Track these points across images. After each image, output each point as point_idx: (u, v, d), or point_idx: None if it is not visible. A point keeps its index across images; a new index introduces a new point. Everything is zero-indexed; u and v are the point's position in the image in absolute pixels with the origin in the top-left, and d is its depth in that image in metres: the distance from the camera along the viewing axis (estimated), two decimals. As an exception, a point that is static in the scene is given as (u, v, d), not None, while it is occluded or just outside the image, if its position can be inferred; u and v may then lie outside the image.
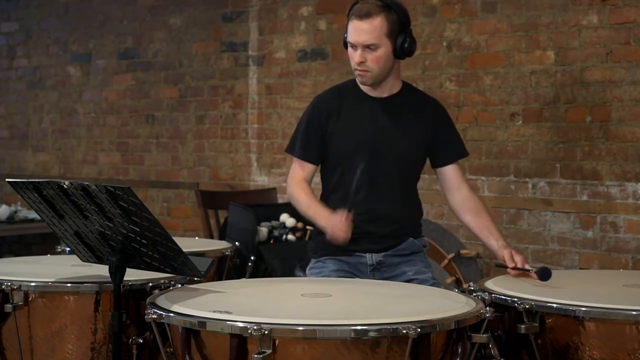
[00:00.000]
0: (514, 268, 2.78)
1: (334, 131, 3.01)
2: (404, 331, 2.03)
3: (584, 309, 2.29)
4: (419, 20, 4.83)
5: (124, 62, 6.40)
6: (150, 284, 2.61)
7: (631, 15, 4.15)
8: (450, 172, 3.09)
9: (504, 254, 2.83)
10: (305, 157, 3.04)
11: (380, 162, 2.99)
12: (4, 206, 6.18)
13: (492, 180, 4.63)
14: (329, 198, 3.06)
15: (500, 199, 4.60)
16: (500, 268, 2.88)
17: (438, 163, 3.10)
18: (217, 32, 5.87)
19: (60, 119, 6.85)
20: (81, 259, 2.66)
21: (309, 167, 3.05)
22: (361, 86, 3.05)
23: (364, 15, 2.90)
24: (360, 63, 2.93)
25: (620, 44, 4.19)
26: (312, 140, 3.03)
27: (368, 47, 2.91)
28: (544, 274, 2.68)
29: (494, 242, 2.93)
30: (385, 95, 3.05)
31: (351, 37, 2.93)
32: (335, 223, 2.84)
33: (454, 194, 3.09)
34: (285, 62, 5.51)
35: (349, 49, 2.98)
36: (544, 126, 4.44)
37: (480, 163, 4.67)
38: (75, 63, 6.72)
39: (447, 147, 3.09)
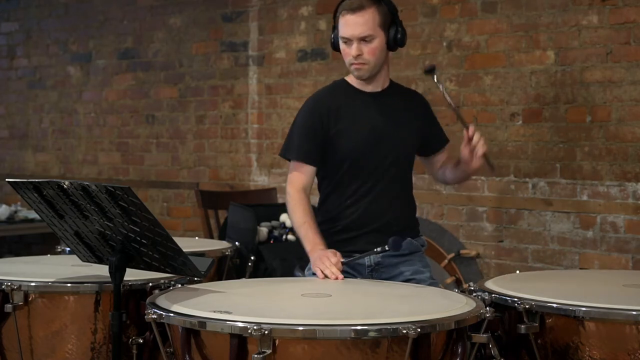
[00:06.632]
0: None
1: (336, 131, 2.99)
2: (404, 331, 2.03)
3: (584, 309, 2.29)
4: (419, 20, 4.82)
5: (124, 62, 6.40)
6: (150, 284, 2.61)
7: (631, 15, 4.15)
8: (441, 157, 3.21)
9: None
10: (305, 159, 2.99)
11: (382, 158, 3.01)
12: (4, 206, 6.18)
13: (492, 180, 4.63)
14: (329, 198, 3.06)
15: (500, 199, 4.60)
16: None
17: (431, 151, 3.20)
18: (217, 32, 5.87)
19: (60, 119, 6.84)
20: (81, 259, 2.66)
21: (309, 170, 3.00)
22: (354, 83, 3.05)
23: (357, 9, 2.91)
24: (358, 56, 2.94)
25: (620, 44, 4.18)
26: (312, 142, 2.99)
27: (363, 40, 2.92)
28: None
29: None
30: (379, 89, 3.07)
31: (345, 32, 2.93)
32: (323, 261, 2.77)
33: (440, 168, 3.21)
34: (285, 62, 5.51)
35: (342, 45, 2.97)
36: (544, 126, 4.44)
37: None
38: (75, 63, 6.72)
39: (438, 136, 3.21)
